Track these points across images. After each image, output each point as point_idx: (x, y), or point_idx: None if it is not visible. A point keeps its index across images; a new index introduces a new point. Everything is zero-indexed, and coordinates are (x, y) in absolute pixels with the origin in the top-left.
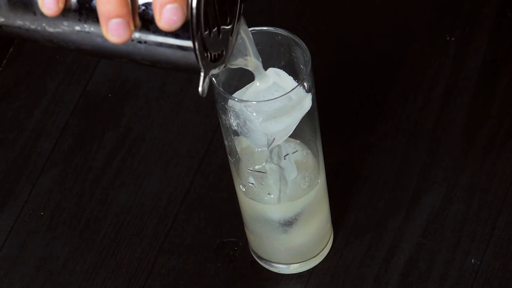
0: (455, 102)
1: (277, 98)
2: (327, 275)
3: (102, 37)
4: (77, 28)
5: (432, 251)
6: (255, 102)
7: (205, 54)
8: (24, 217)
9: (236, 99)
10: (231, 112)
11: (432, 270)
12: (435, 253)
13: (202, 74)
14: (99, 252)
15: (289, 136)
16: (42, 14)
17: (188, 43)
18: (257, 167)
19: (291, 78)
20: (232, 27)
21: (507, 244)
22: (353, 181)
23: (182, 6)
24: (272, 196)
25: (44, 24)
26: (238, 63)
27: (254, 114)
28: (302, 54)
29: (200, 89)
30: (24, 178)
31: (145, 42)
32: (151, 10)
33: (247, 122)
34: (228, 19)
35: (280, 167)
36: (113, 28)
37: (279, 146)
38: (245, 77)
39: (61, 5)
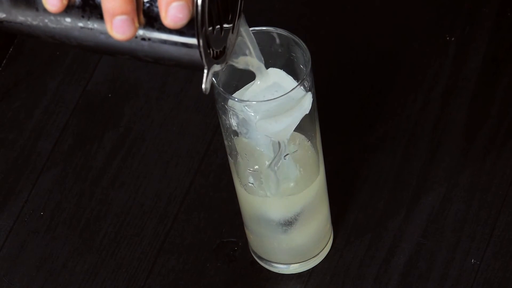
0: (455, 102)
1: (277, 98)
2: (327, 275)
3: (105, 33)
4: (80, 24)
5: (432, 251)
6: (255, 102)
7: (208, 51)
8: (24, 217)
9: (236, 99)
10: (231, 112)
11: (432, 270)
12: (435, 253)
13: (205, 71)
14: (99, 252)
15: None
16: (44, 10)
17: (192, 40)
18: (256, 167)
19: (291, 78)
20: (233, 24)
21: (507, 244)
22: (353, 181)
23: (188, 3)
24: (271, 192)
25: (46, 20)
26: (239, 61)
27: (254, 114)
28: (302, 54)
29: (203, 86)
30: (24, 178)
31: (149, 39)
32: (156, 7)
33: (247, 122)
34: (230, 16)
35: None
36: (118, 25)
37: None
38: (245, 77)
39: (65, 2)
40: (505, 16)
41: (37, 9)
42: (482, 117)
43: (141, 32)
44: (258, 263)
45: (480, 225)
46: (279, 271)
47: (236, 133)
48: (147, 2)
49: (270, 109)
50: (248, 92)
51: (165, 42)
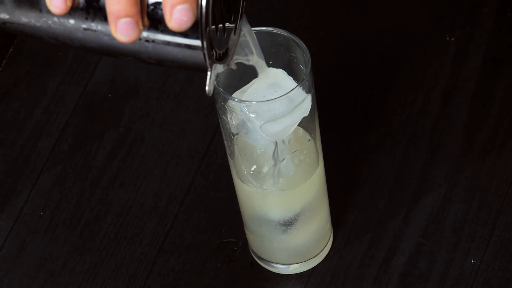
0: (455, 102)
1: (277, 98)
2: (327, 275)
3: (109, 35)
4: (84, 26)
5: (432, 251)
6: (255, 103)
7: (212, 53)
8: (24, 217)
9: (236, 100)
10: (231, 112)
11: (432, 270)
12: (435, 253)
13: (209, 73)
14: (99, 252)
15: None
16: (48, 11)
17: (196, 42)
18: (256, 167)
19: (291, 78)
20: (236, 25)
21: (507, 244)
22: (353, 181)
23: (193, 6)
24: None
25: (50, 22)
26: (240, 58)
27: (254, 114)
28: (302, 54)
29: (206, 88)
30: (24, 178)
31: (153, 41)
32: (161, 10)
33: (247, 122)
34: (232, 17)
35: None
36: (122, 28)
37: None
38: (245, 77)
39: (69, 4)
40: (505, 16)
41: (40, 11)
42: (482, 117)
43: (145, 34)
44: (258, 263)
45: (480, 225)
46: (279, 271)
47: (236, 133)
48: (151, 4)
49: (270, 109)
50: (248, 92)
51: (169, 44)
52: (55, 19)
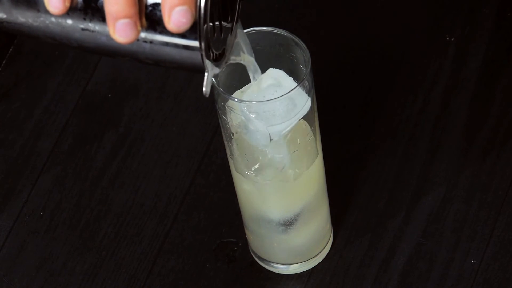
0: (455, 102)
1: (277, 98)
2: (327, 275)
3: (106, 36)
4: (82, 26)
5: (432, 251)
6: (255, 103)
7: (209, 54)
8: (24, 217)
9: (236, 99)
10: (231, 112)
11: (432, 270)
12: (435, 253)
13: (206, 74)
14: (99, 252)
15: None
16: (46, 11)
17: (194, 43)
18: (256, 166)
19: (291, 78)
20: (232, 26)
21: (507, 244)
22: (353, 181)
23: (191, 8)
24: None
25: (47, 22)
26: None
27: (254, 114)
28: (302, 54)
29: (204, 89)
30: (24, 178)
31: (151, 42)
32: (159, 11)
33: (247, 122)
34: (229, 18)
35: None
36: (121, 29)
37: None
38: (245, 78)
39: (68, 4)
40: (505, 17)
41: (38, 11)
42: (482, 117)
43: (143, 35)
44: (258, 264)
45: (480, 225)
46: (279, 271)
47: (236, 133)
48: (150, 5)
49: (270, 109)
50: (248, 92)
51: (166, 44)
52: (53, 19)
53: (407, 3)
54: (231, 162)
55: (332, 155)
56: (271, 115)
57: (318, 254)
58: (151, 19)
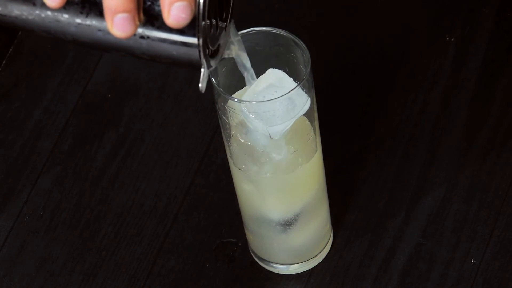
0: (455, 102)
1: (277, 98)
2: (327, 275)
3: (103, 30)
4: (78, 20)
5: (432, 251)
6: (254, 103)
7: (206, 50)
8: (24, 217)
9: (235, 100)
10: (230, 113)
11: (432, 270)
12: (435, 253)
13: (203, 70)
14: (99, 252)
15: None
16: (42, 5)
17: (193, 40)
18: (256, 167)
19: (290, 78)
20: (227, 22)
21: (507, 244)
22: (353, 181)
23: (191, 3)
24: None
25: (43, 15)
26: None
27: (254, 114)
28: (302, 54)
29: (200, 85)
30: (24, 178)
31: (148, 37)
32: (158, 6)
33: (246, 122)
34: (224, 14)
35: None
36: (119, 23)
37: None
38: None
39: None
40: (505, 17)
41: (34, 4)
42: (482, 117)
43: (140, 30)
44: (258, 264)
45: (480, 225)
46: (279, 272)
47: (236, 133)
48: (149, 0)
49: (269, 109)
50: (248, 92)
51: (164, 41)
52: (49, 12)
53: (407, 3)
54: (231, 162)
55: (332, 155)
56: (271, 115)
57: (318, 254)
58: (150, 14)
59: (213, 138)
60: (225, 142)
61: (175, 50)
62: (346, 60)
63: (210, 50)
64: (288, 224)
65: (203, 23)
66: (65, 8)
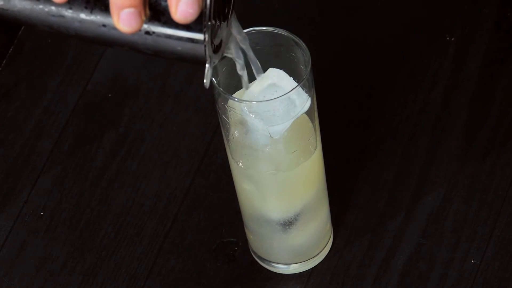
0: (455, 102)
1: (277, 98)
2: (327, 275)
3: (108, 25)
4: (82, 15)
5: (432, 251)
6: (255, 102)
7: (211, 46)
8: (24, 217)
9: (236, 99)
10: (231, 112)
11: (432, 270)
12: (435, 253)
13: (207, 65)
14: (99, 252)
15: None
16: None
17: (199, 36)
18: (256, 167)
19: (291, 78)
20: (229, 17)
21: (507, 244)
22: (353, 181)
23: None
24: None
25: (46, 10)
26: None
27: (254, 114)
28: (302, 54)
29: (205, 81)
30: (24, 178)
31: (154, 32)
32: (164, 1)
33: (247, 122)
34: (226, 9)
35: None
36: (125, 18)
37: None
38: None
39: None
40: (505, 17)
41: None
42: (482, 117)
43: (145, 25)
44: (258, 263)
45: (480, 225)
46: (279, 271)
47: (236, 133)
48: None
49: (270, 109)
50: (248, 92)
51: (170, 36)
52: (53, 7)
53: (407, 3)
54: (231, 162)
55: (332, 155)
56: (271, 114)
57: (318, 254)
58: (156, 9)
59: (213, 138)
60: (225, 142)
61: (180, 46)
62: (346, 60)
63: (213, 45)
64: (288, 223)
65: (210, 19)
66: (69, 2)
